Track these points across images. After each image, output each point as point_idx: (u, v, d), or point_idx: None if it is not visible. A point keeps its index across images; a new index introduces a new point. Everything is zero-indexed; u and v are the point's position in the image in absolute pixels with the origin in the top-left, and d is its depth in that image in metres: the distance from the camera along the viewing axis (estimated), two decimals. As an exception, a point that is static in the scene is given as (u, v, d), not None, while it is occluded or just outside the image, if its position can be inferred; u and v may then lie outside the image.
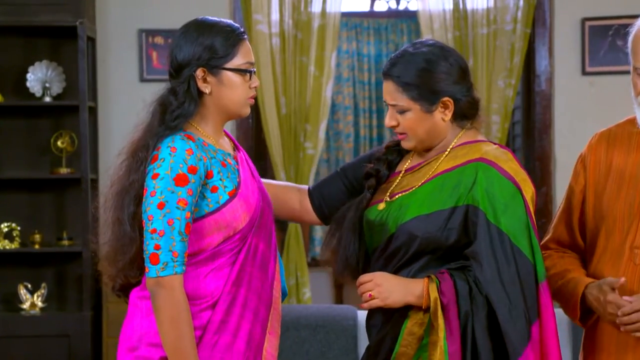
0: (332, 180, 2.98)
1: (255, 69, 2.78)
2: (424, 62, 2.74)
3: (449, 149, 2.78)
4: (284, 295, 2.92)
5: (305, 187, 3.02)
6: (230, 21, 2.79)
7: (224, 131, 2.86)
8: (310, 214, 2.99)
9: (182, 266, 2.62)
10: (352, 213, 2.85)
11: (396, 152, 2.91)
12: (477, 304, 2.64)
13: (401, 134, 2.80)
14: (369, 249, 2.86)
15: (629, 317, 2.69)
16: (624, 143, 2.89)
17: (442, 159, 2.78)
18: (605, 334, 2.82)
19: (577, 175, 2.95)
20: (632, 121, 2.90)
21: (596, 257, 2.86)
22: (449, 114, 2.76)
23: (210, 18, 2.79)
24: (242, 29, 2.77)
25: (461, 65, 2.76)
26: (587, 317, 2.85)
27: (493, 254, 2.64)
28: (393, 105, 2.76)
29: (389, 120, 2.78)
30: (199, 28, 2.74)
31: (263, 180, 2.93)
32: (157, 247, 2.60)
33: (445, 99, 2.74)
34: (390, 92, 2.76)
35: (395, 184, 2.83)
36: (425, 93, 2.73)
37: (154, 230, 2.60)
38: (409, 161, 2.86)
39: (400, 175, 2.84)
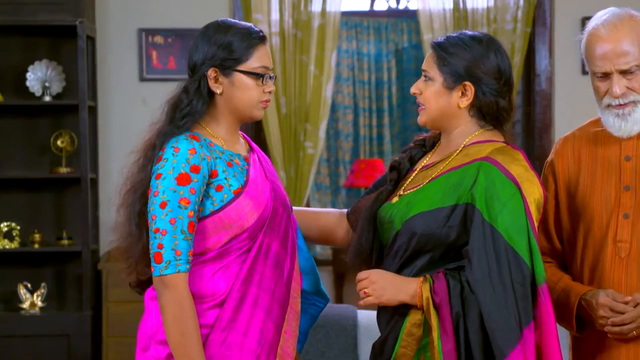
0: (364, 195, 3.00)
1: (273, 74, 2.79)
2: (469, 44, 2.76)
3: (461, 147, 2.78)
4: (325, 300, 2.93)
5: (344, 211, 3.03)
6: (250, 24, 2.79)
7: (241, 133, 2.87)
8: (350, 235, 2.98)
9: (185, 264, 2.63)
10: (371, 204, 2.86)
11: (420, 146, 2.93)
12: (469, 303, 2.63)
13: (421, 105, 2.82)
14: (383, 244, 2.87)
15: (621, 318, 2.70)
16: (590, 141, 2.91)
17: (453, 156, 2.77)
18: (598, 337, 2.81)
19: (546, 181, 2.94)
20: (595, 122, 2.93)
21: (578, 255, 2.87)
22: (465, 102, 2.75)
23: (231, 20, 2.80)
24: (261, 33, 2.77)
25: (500, 67, 2.75)
26: (583, 327, 2.84)
27: (485, 253, 2.61)
28: (424, 71, 2.80)
29: (413, 88, 2.82)
30: (217, 28, 2.75)
31: (307, 209, 3.00)
32: (160, 246, 2.62)
33: (468, 83, 2.74)
34: (429, 60, 2.80)
35: (410, 180, 2.84)
36: (454, 70, 2.74)
37: (157, 230, 2.62)
38: (427, 158, 2.86)
39: (416, 171, 2.85)
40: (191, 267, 2.65)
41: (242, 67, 2.73)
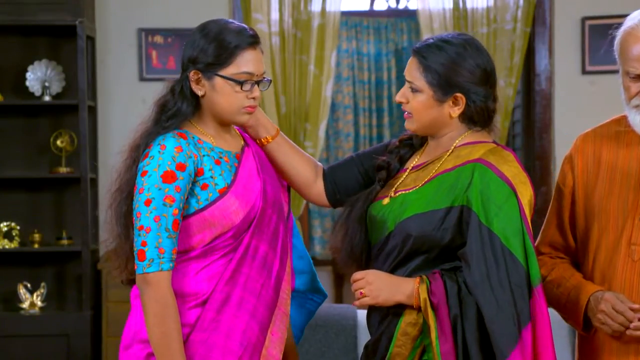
0: (347, 166, 2.96)
1: (268, 78, 2.75)
2: (454, 53, 2.73)
3: (452, 148, 2.77)
4: (323, 295, 2.91)
5: (321, 166, 2.98)
6: (244, 26, 2.74)
7: (236, 128, 2.84)
8: (320, 195, 2.94)
9: (169, 263, 2.62)
10: (361, 204, 2.85)
11: (408, 146, 2.91)
12: (467, 304, 2.64)
13: (407, 113, 2.79)
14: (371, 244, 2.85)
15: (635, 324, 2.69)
16: (612, 141, 2.88)
17: (444, 158, 2.77)
18: (605, 336, 2.80)
19: (564, 176, 2.94)
20: (618, 121, 2.90)
21: (590, 255, 2.86)
22: (457, 111, 2.75)
23: (227, 20, 2.76)
24: (252, 37, 2.71)
25: (486, 69, 2.75)
26: (590, 326, 2.83)
27: (483, 256, 2.62)
28: (409, 82, 2.77)
29: (399, 96, 2.79)
30: (208, 28, 2.71)
31: (296, 149, 2.92)
32: (144, 244, 2.61)
33: (459, 94, 2.73)
34: (411, 69, 2.77)
35: (401, 181, 2.83)
36: (443, 82, 2.73)
37: (141, 227, 2.61)
38: (417, 158, 2.86)
39: (407, 172, 2.84)
40: (175, 265, 2.63)
41: (223, 72, 2.69)
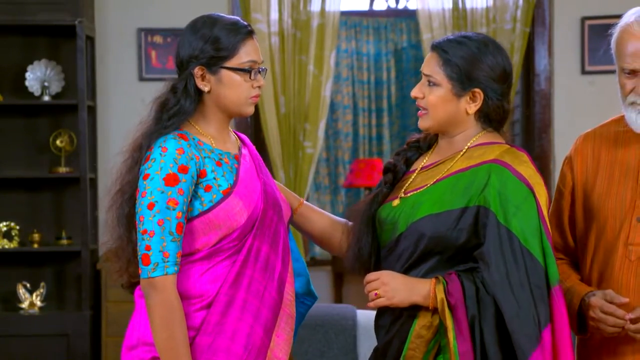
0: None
1: (264, 68, 2.75)
2: (476, 48, 2.73)
3: (465, 149, 2.76)
4: (314, 298, 2.91)
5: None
6: (236, 18, 2.74)
7: (234, 131, 2.84)
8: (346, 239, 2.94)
9: (174, 266, 2.60)
10: (368, 207, 2.84)
11: (415, 148, 2.91)
12: (485, 304, 2.63)
13: (423, 109, 2.78)
14: (380, 247, 2.85)
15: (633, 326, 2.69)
16: (611, 141, 2.89)
17: (457, 158, 2.76)
18: (602, 337, 2.80)
19: (564, 177, 2.95)
20: (617, 121, 2.90)
21: (588, 255, 2.86)
22: (474, 108, 2.74)
23: (217, 14, 2.75)
24: (248, 27, 2.72)
25: (505, 68, 2.75)
26: (585, 327, 2.83)
27: (502, 255, 2.62)
28: (427, 76, 2.76)
29: (414, 92, 2.78)
30: (202, 25, 2.71)
31: (315, 208, 2.96)
32: (148, 248, 2.59)
33: (477, 90, 2.73)
34: (430, 63, 2.76)
35: (410, 181, 2.82)
36: (462, 76, 2.72)
37: (145, 231, 2.59)
38: (426, 159, 2.85)
39: (416, 173, 2.83)
40: (179, 268, 2.62)
41: (228, 64, 2.69)
